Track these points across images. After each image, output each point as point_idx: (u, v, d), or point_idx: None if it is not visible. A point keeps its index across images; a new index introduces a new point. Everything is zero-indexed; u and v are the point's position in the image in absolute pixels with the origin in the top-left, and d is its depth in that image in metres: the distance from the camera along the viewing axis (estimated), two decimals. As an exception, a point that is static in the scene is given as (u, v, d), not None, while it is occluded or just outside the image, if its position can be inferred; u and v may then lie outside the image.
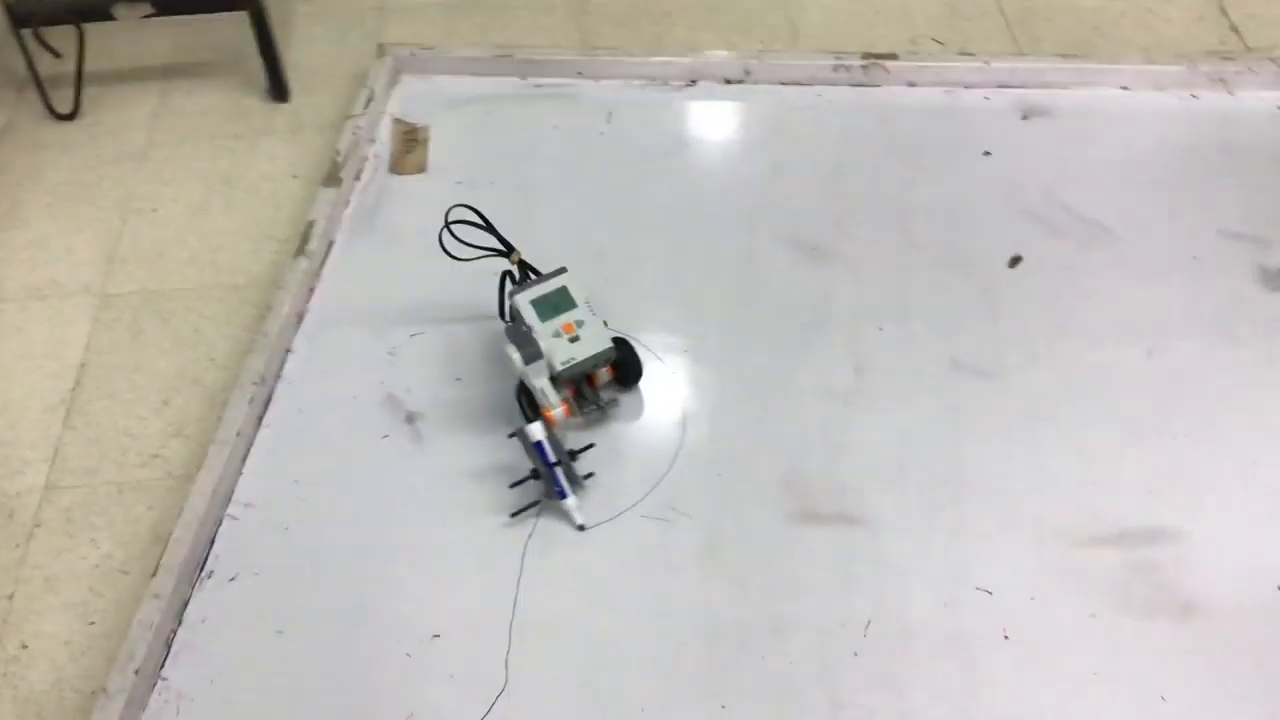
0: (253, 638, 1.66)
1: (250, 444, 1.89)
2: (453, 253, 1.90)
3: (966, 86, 2.49)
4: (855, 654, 1.61)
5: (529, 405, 1.84)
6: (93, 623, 1.71)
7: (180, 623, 1.68)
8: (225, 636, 1.66)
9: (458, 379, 1.97)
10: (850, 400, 1.91)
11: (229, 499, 1.82)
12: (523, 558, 1.73)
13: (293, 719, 1.58)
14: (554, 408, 1.77)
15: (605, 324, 1.85)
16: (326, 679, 1.61)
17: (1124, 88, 2.48)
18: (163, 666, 1.63)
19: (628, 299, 2.08)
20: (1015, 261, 2.13)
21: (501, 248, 1.92)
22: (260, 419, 1.93)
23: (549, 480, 1.73)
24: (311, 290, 2.13)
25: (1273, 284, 2.08)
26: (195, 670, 1.63)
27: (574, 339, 1.80)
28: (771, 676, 1.59)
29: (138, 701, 1.57)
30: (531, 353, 1.77)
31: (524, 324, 1.81)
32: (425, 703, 1.58)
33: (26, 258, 2.26)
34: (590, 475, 1.80)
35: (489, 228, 1.92)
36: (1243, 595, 1.67)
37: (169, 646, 1.65)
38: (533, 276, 1.91)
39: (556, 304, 1.83)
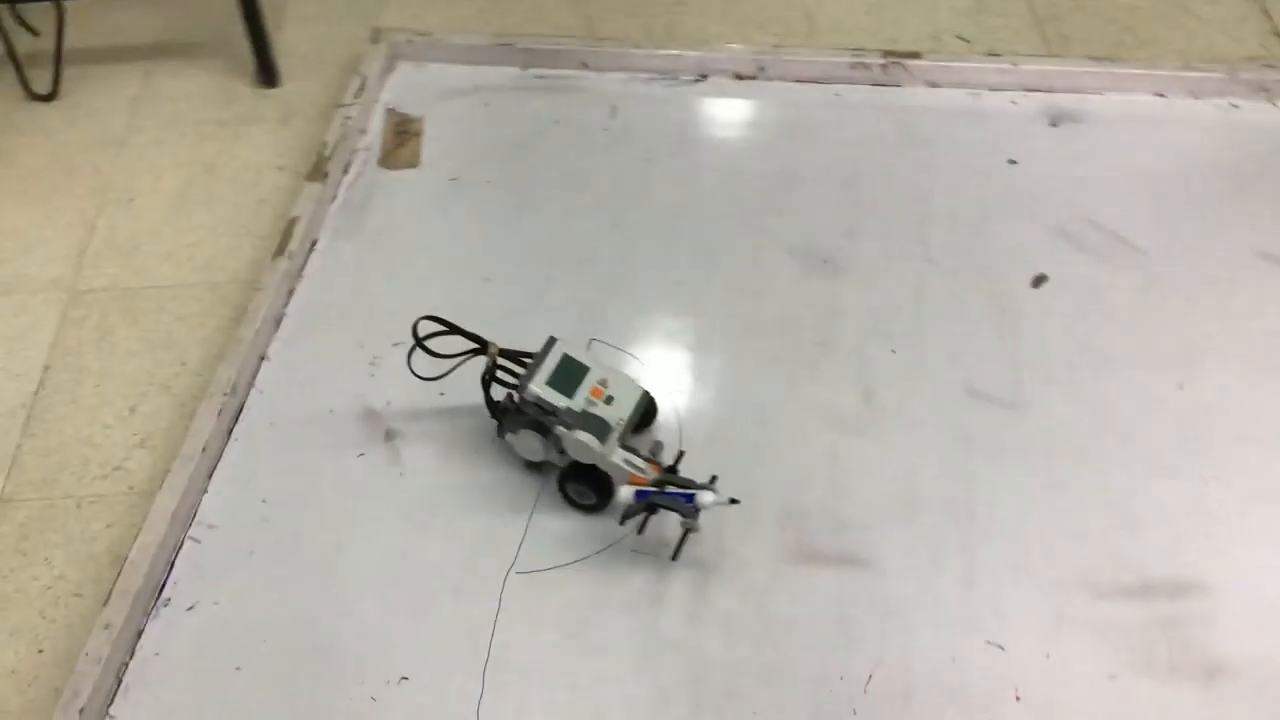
0: (208, 674, 1.55)
1: (217, 459, 1.77)
2: (422, 375, 1.69)
3: (992, 89, 2.35)
4: (854, 711, 1.49)
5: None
6: (41, 650, 1.60)
7: (132, 655, 1.57)
8: (179, 672, 1.55)
9: (441, 394, 1.85)
10: (858, 428, 1.79)
11: (191, 519, 1.71)
12: (501, 593, 1.61)
13: (246, 766, 1.47)
14: (644, 472, 1.61)
15: (621, 371, 1.72)
16: (284, 722, 1.50)
17: (1159, 94, 2.34)
18: (110, 704, 1.52)
19: (623, 310, 1.97)
20: (1039, 281, 1.99)
21: (475, 345, 1.71)
22: (229, 432, 1.81)
23: (675, 507, 1.57)
24: (291, 292, 2.01)
25: (1315, 312, 1.94)
26: (145, 709, 1.52)
27: (608, 400, 1.65)
28: (760, 733, 1.48)
29: (81, 744, 1.47)
30: (603, 429, 1.60)
31: (550, 408, 1.62)
32: (390, 752, 1.47)
33: (-5, 249, 2.15)
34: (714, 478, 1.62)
35: (455, 330, 1.71)
36: (1276, 656, 1.54)
37: (119, 681, 1.54)
38: (519, 362, 1.71)
39: (569, 374, 1.65)
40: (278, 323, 1.96)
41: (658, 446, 1.68)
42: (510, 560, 1.65)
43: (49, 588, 1.67)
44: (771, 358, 1.90)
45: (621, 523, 1.61)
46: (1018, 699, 1.50)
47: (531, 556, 1.65)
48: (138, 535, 1.64)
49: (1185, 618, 1.58)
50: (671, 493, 1.57)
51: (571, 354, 1.66)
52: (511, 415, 1.67)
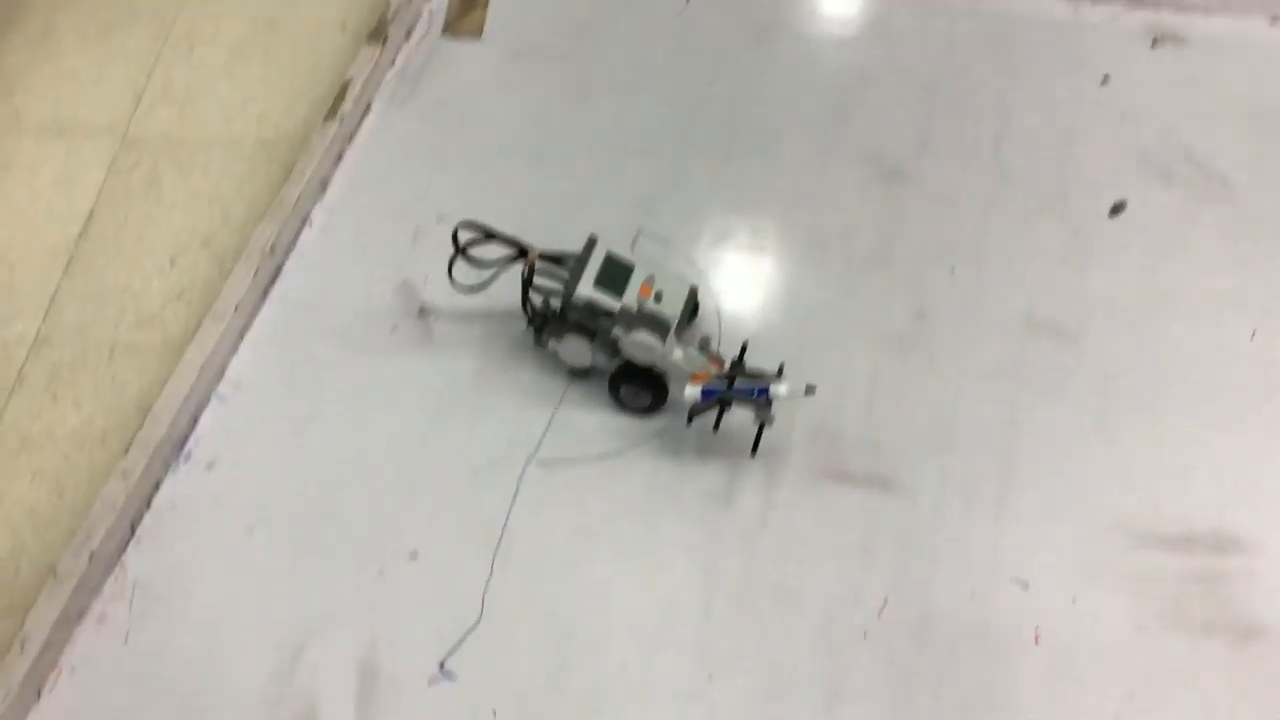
0: (222, 532, 1.55)
1: (250, 319, 1.76)
2: (463, 282, 1.64)
3: (1093, 1, 2.20)
4: (864, 635, 1.45)
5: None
6: (62, 494, 1.61)
7: (148, 506, 1.57)
8: (193, 528, 1.56)
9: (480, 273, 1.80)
10: (905, 348, 1.72)
11: (220, 376, 1.70)
12: (519, 482, 1.59)
13: (250, 626, 1.47)
14: (705, 368, 1.56)
15: (666, 265, 1.64)
16: (291, 589, 1.50)
17: (1274, 18, 2.16)
18: (123, 552, 1.53)
19: (679, 205, 1.89)
20: (1117, 209, 1.88)
21: (514, 251, 1.63)
22: (265, 292, 1.79)
23: (747, 401, 1.52)
24: (339, 157, 1.97)
25: None
26: (156, 560, 1.53)
27: (658, 296, 1.57)
28: (768, 648, 1.45)
29: (90, 587, 1.49)
30: (661, 327, 1.54)
31: (604, 310, 1.56)
32: (391, 627, 1.47)
33: (52, 90, 2.13)
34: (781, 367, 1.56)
35: (494, 235, 1.64)
36: (1317, 625, 1.46)
37: (133, 530, 1.55)
38: (560, 264, 1.63)
39: (616, 274, 1.58)
40: (324, 186, 1.93)
41: (706, 340, 1.62)
42: (531, 451, 1.62)
43: (75, 431, 1.68)
44: (824, 266, 1.82)
45: (689, 422, 1.56)
46: (1037, 641, 1.45)
47: (553, 449, 1.62)
48: (164, 387, 1.64)
49: (1225, 575, 1.50)
50: (742, 388, 1.51)
51: (615, 252, 1.59)
52: (554, 322, 1.61)
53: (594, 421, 1.64)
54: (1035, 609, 1.47)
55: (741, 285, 1.80)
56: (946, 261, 1.82)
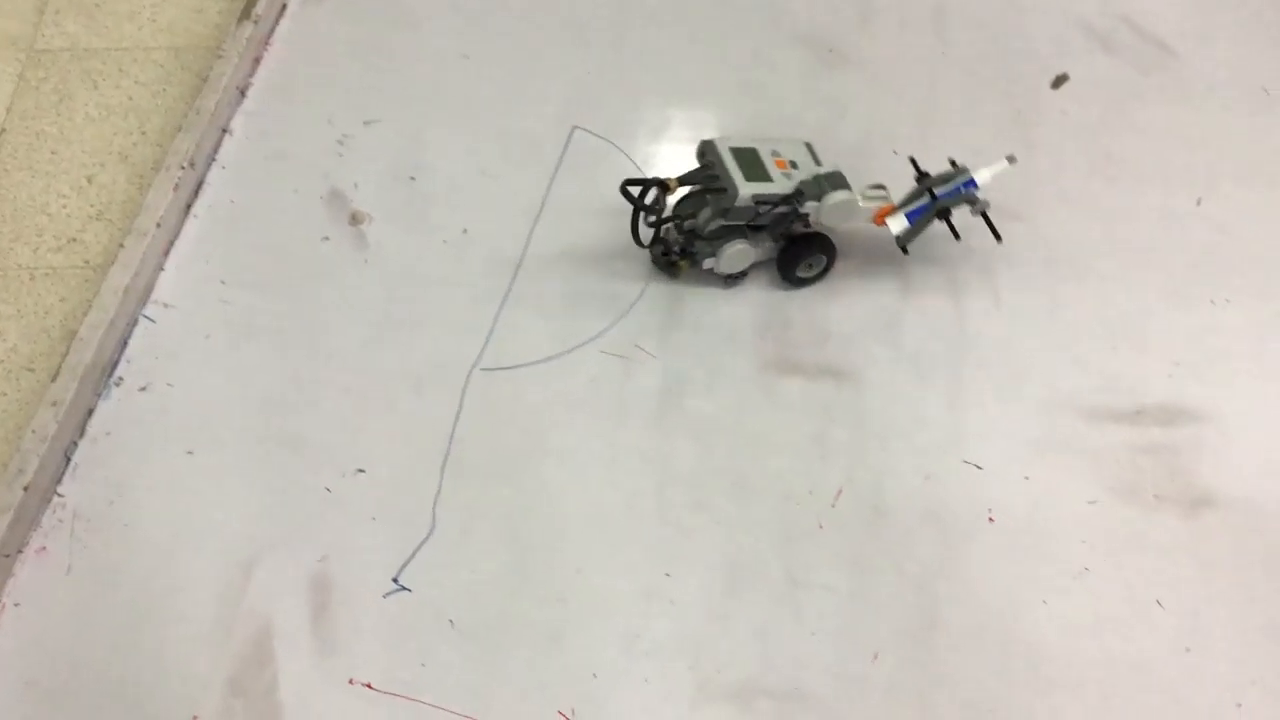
0: (161, 456, 1.51)
1: (174, 236, 1.69)
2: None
3: None
4: (820, 526, 1.45)
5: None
6: (-10, 426, 1.56)
7: (82, 434, 1.52)
8: (130, 453, 1.51)
9: (412, 178, 1.74)
10: (848, 235, 1.68)
11: (146, 298, 1.64)
12: (464, 390, 1.55)
13: (197, 552, 1.43)
14: (888, 199, 1.59)
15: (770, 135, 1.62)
16: (236, 510, 1.46)
17: (1217, -121, 2.11)
18: (59, 483, 1.48)
19: (617, 98, 1.84)
20: (1060, 81, 1.85)
21: (658, 190, 1.53)
22: (188, 208, 1.72)
23: (958, 201, 1.55)
24: (257, 61, 1.88)
25: (1353, 129, 1.79)
26: (94, 488, 1.48)
27: (793, 164, 1.56)
28: (725, 544, 1.43)
29: (28, 520, 1.44)
30: (842, 181, 1.54)
31: (775, 198, 1.52)
32: (342, 544, 1.44)
33: (-53, 0, 2.01)
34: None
35: (639, 183, 1.53)
36: (1266, 492, 1.47)
37: (68, 459, 1.50)
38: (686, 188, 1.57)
39: (752, 163, 1.54)
40: (242, 93, 1.84)
41: (838, 176, 1.56)
42: (475, 357, 1.58)
43: (1, 361, 1.61)
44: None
45: (905, 250, 1.58)
46: (991, 520, 1.45)
47: (498, 354, 1.58)
48: (88, 311, 1.57)
49: (1177, 446, 1.51)
50: (947, 191, 1.53)
51: (732, 144, 1.55)
52: (705, 240, 1.56)
53: (537, 324, 1.60)
54: (989, 489, 1.47)
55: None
56: (889, 144, 1.78)
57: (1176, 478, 1.48)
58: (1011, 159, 1.51)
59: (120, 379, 1.57)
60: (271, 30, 1.91)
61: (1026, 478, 1.48)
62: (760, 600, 1.39)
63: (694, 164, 1.55)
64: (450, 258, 1.66)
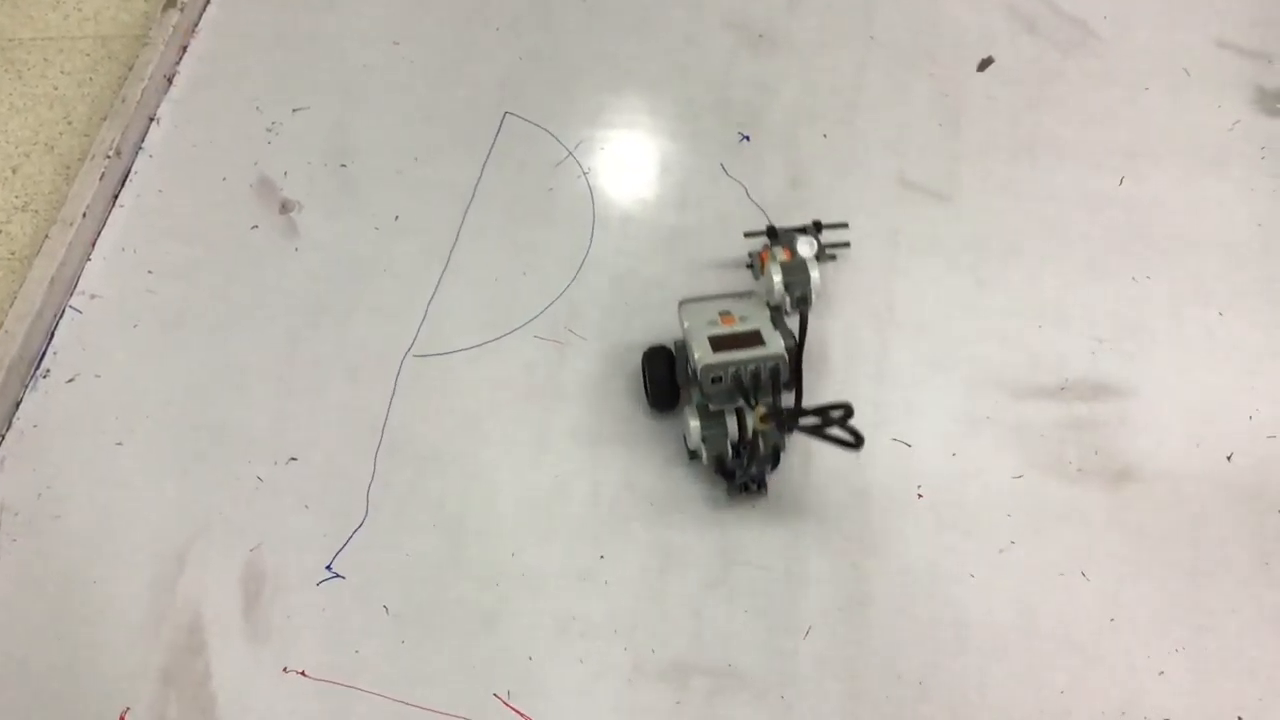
0: (89, 448, 1.49)
1: (101, 226, 1.67)
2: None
3: None
4: (753, 506, 1.46)
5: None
6: (-86, 421, 1.53)
7: (9, 427, 1.51)
8: (58, 445, 1.50)
9: (343, 165, 1.74)
10: (780, 219, 1.69)
11: (72, 288, 1.62)
12: (396, 376, 1.55)
13: (128, 543, 1.43)
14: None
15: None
16: (167, 500, 1.45)
17: None
18: (-15, 476, 1.46)
19: (545, 83, 1.83)
20: (985, 64, 1.87)
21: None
22: (114, 197, 1.70)
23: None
24: (184, 49, 1.86)
25: (1269, 107, 1.83)
26: (22, 481, 1.47)
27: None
28: (657, 527, 1.44)
29: (-48, 515, 1.42)
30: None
31: None
32: (275, 533, 1.43)
33: None
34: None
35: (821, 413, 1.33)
36: (1188, 464, 1.50)
37: (-6, 453, 1.48)
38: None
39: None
40: (169, 81, 1.82)
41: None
42: (408, 343, 1.58)
43: (-77, 355, 1.59)
44: (697, 139, 1.78)
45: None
46: (919, 496, 1.47)
47: (431, 340, 1.58)
48: (14, 303, 1.55)
49: (1100, 421, 1.54)
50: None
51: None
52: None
53: (470, 310, 1.60)
54: (917, 465, 1.49)
55: (614, 164, 1.76)
56: (818, 127, 1.80)
57: (1100, 452, 1.51)
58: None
59: (47, 371, 1.55)
60: (199, 18, 1.89)
61: (954, 454, 1.50)
62: (693, 580, 1.40)
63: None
64: (382, 244, 1.66)
